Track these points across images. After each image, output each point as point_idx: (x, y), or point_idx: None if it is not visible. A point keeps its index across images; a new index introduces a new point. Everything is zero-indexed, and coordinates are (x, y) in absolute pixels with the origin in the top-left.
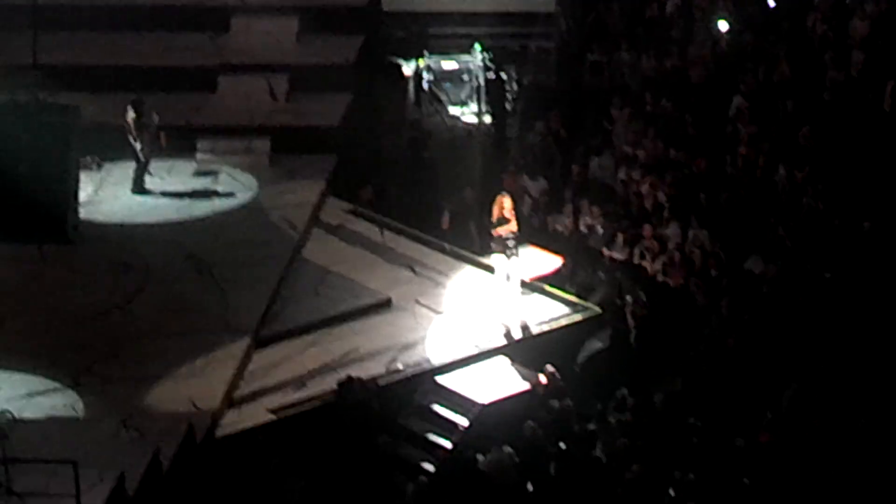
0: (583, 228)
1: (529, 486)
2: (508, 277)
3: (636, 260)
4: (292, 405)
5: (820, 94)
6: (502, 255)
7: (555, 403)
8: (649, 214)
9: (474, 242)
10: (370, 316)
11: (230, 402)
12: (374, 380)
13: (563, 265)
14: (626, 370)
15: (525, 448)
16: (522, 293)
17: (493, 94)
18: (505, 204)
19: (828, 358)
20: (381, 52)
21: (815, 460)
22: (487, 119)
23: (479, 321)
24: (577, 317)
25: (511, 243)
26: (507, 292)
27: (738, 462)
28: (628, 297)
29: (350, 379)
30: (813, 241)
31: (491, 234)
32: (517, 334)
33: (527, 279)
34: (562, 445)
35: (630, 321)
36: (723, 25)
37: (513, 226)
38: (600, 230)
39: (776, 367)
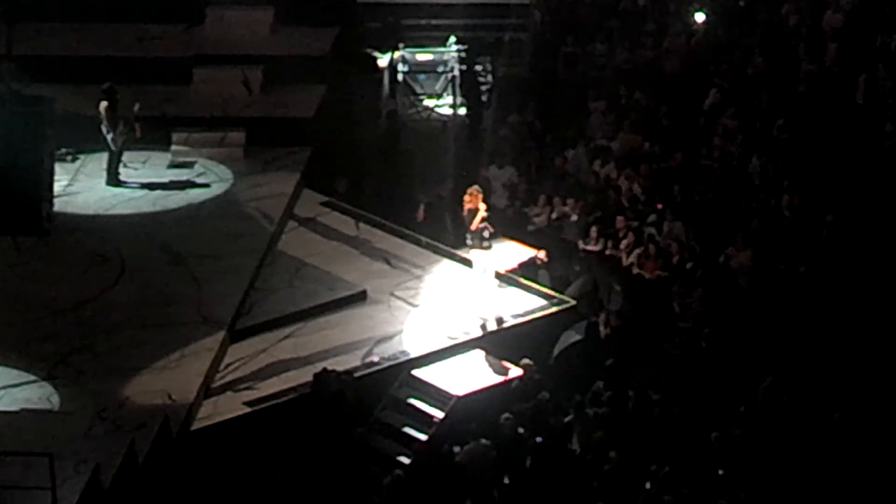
0: (555, 218)
1: (506, 479)
2: (485, 271)
3: (611, 252)
4: (268, 397)
5: (794, 86)
6: (479, 250)
7: (531, 396)
8: (624, 207)
9: (449, 235)
10: (345, 308)
11: (206, 394)
12: (349, 372)
13: (539, 258)
14: (602, 362)
15: (501, 441)
16: (498, 286)
17: (467, 86)
18: (476, 197)
19: (803, 351)
20: (356, 43)
21: (789, 453)
22: (462, 111)
23: (454, 314)
24: (553, 309)
25: (486, 234)
26: (484, 285)
27: (713, 454)
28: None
29: (325, 371)
30: (788, 233)
31: (467, 228)
32: (493, 327)
33: (502, 272)
34: (538, 438)
35: (603, 330)
36: (697, 17)
37: (482, 214)
38: (575, 222)
39: (751, 361)
